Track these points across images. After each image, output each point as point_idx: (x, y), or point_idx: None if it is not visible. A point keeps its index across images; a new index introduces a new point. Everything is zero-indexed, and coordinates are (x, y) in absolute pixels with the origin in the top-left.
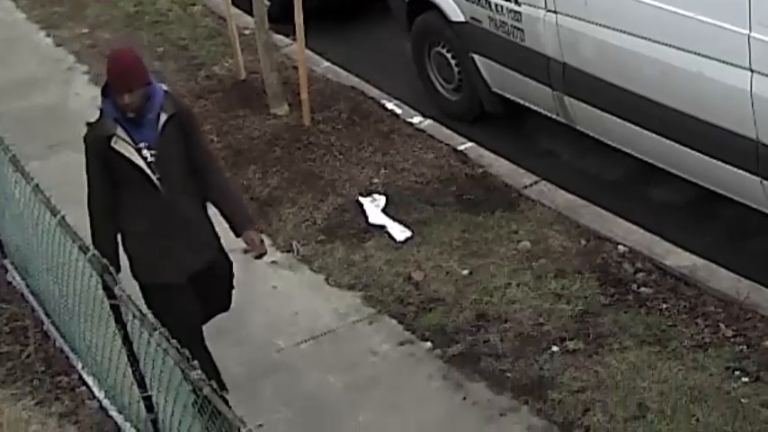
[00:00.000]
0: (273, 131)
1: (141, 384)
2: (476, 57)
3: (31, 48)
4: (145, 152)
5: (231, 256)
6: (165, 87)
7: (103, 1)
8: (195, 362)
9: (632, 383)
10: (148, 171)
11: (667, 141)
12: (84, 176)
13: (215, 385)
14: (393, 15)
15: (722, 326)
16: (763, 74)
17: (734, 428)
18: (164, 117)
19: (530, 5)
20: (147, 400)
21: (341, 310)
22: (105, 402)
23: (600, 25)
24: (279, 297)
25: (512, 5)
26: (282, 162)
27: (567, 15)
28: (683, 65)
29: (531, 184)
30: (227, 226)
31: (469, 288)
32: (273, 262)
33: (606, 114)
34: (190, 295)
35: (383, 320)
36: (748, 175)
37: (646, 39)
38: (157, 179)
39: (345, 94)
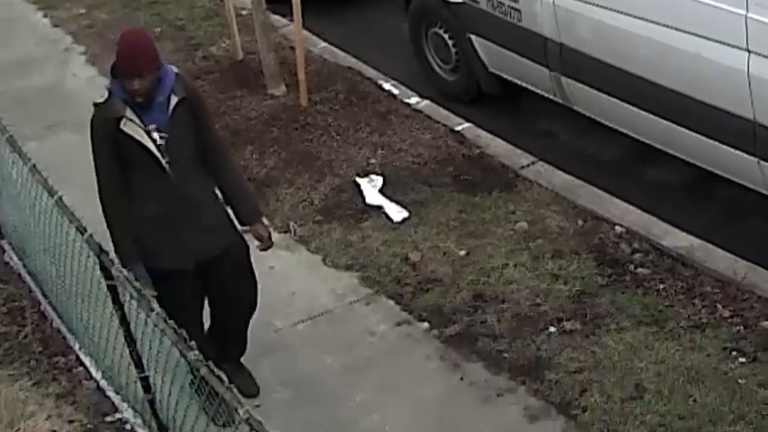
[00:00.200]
0: (271, 112)
1: (138, 365)
2: (473, 37)
3: (28, 28)
4: (154, 135)
5: None
6: (175, 70)
7: None
8: (192, 342)
9: (629, 364)
10: (158, 154)
11: (664, 122)
12: (83, 157)
13: (212, 365)
14: None
15: (719, 306)
16: (760, 54)
17: (731, 409)
18: (174, 100)
19: None
20: (145, 380)
21: (338, 290)
22: (102, 383)
23: (597, 5)
24: (276, 277)
25: None
26: (280, 142)
27: None
28: (680, 45)
29: (528, 165)
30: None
31: (467, 268)
32: None
33: (603, 95)
34: (193, 283)
35: (380, 301)
36: (745, 155)
37: (643, 19)
38: (166, 162)
39: (342, 75)
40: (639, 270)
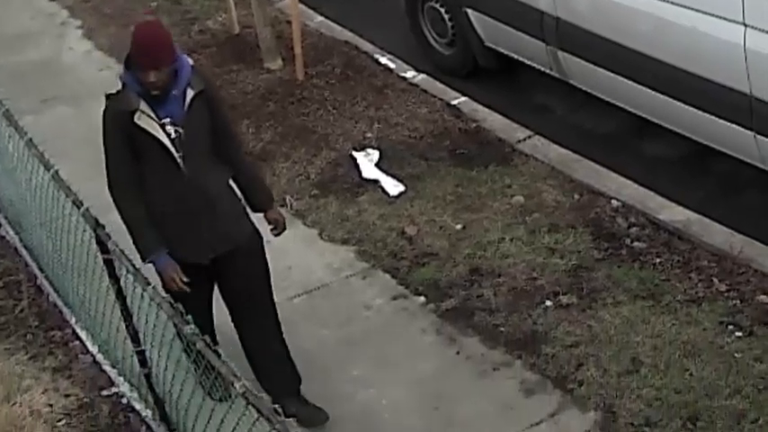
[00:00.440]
0: (267, 86)
1: (134, 339)
2: (469, 11)
3: (24, 2)
4: (168, 128)
5: None
6: (191, 62)
7: None
8: (189, 316)
9: (626, 338)
10: (172, 148)
11: (661, 96)
12: (79, 131)
13: (208, 339)
14: None
15: (716, 280)
16: (756, 28)
17: (727, 383)
18: (191, 93)
19: None
20: (141, 354)
21: (334, 264)
22: (99, 357)
23: None
24: (272, 251)
25: None
26: (276, 117)
27: None
28: (676, 19)
29: (524, 139)
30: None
31: (463, 242)
32: None
33: (600, 69)
34: (206, 277)
35: (376, 275)
36: (741, 129)
37: None
38: (180, 157)
39: (339, 49)
40: (636, 244)
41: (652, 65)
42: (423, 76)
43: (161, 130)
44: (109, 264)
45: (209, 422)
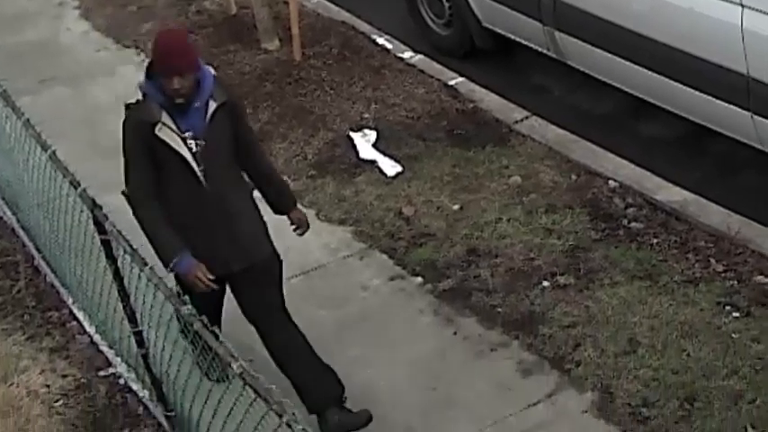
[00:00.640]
0: (264, 66)
1: (132, 320)
2: None
3: None
4: (190, 142)
5: None
6: (214, 72)
7: None
8: (185, 297)
9: (623, 318)
10: (193, 163)
11: (658, 76)
12: (76, 111)
13: (205, 320)
14: None
15: (713, 261)
16: (753, 9)
17: (724, 363)
18: (213, 106)
19: None
20: (138, 335)
21: (332, 245)
22: (96, 337)
23: None
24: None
25: None
26: (273, 97)
27: None
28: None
29: (521, 119)
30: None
31: (460, 223)
32: None
33: (597, 49)
34: (220, 295)
35: (374, 255)
36: (739, 109)
37: None
38: (201, 171)
39: (336, 29)
40: (633, 224)
41: (649, 45)
42: (420, 56)
43: (183, 144)
44: (106, 244)
45: (206, 402)
